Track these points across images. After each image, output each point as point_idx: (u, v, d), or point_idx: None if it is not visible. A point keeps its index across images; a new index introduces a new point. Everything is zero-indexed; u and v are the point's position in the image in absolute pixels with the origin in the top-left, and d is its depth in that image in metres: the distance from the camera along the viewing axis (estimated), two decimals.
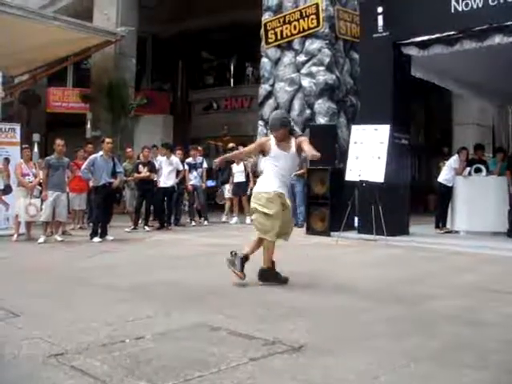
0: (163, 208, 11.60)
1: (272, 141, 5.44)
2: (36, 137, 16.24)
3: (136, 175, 11.31)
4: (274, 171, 5.45)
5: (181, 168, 11.74)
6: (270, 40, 13.52)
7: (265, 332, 3.67)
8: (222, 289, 5.22)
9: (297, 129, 12.85)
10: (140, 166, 11.32)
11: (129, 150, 12.87)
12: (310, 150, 5.25)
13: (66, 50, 15.91)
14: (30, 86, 18.13)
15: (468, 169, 10.19)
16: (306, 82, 12.84)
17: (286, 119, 5.57)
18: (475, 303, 4.74)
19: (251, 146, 5.90)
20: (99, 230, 9.31)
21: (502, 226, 9.34)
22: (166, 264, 6.81)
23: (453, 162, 10.43)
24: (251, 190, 12.85)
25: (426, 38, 9.08)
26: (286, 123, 5.44)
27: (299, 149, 5.41)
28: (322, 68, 12.67)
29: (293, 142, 5.43)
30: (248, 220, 12.93)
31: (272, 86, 13.49)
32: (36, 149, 15.59)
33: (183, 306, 4.50)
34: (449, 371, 3.00)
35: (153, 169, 11.31)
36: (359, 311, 4.38)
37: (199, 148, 13.80)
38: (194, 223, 12.48)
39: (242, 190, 12.86)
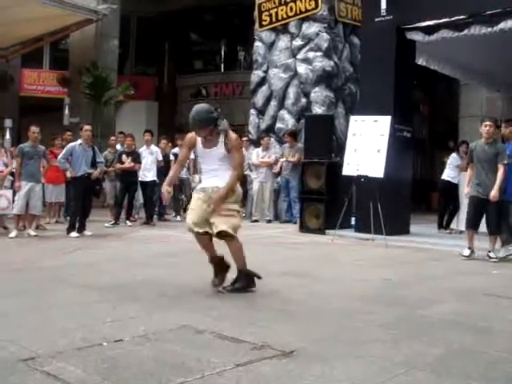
0: (146, 202, 11.62)
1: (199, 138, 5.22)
2: (8, 122, 16.12)
3: (119, 166, 11.26)
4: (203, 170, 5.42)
5: (160, 159, 11.72)
6: (264, 22, 13.49)
7: (253, 335, 3.68)
8: (208, 289, 5.21)
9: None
10: (123, 156, 11.26)
11: (112, 138, 12.82)
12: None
13: (41, 27, 15.76)
14: (2, 66, 17.95)
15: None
16: (301, 69, 12.84)
17: (211, 116, 5.08)
18: (480, 309, 4.77)
19: (182, 151, 5.63)
20: (77, 225, 9.27)
21: None
22: (149, 262, 6.80)
23: (453, 159, 10.49)
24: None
25: (432, 22, 9.10)
26: (210, 122, 5.04)
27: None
28: (319, 53, 12.67)
29: (221, 138, 5.12)
30: None
31: (265, 72, 13.48)
32: (8, 135, 15.48)
33: (166, 307, 4.50)
34: (451, 382, 3.01)
35: (137, 159, 11.26)
36: (355, 315, 4.39)
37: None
38: (179, 218, 12.47)
39: None
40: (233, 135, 5.25)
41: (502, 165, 7.37)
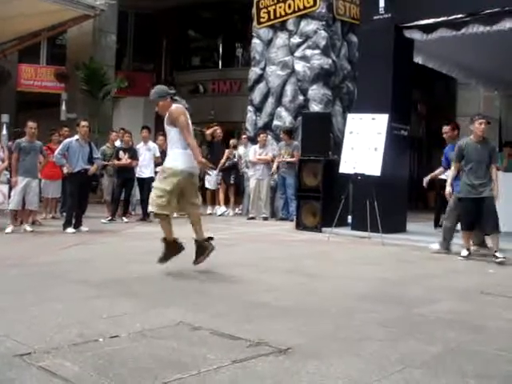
0: (143, 198, 11.60)
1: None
2: (5, 117, 16.06)
3: (116, 162, 11.25)
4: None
5: (158, 155, 11.70)
6: (262, 19, 13.47)
7: (249, 333, 3.67)
8: (205, 285, 5.21)
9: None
10: (120, 152, 11.24)
11: (114, 134, 12.80)
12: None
13: (39, 23, 15.71)
14: None
15: None
16: (299, 66, 12.83)
17: (163, 90, 5.82)
18: (476, 308, 4.78)
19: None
20: (73, 221, 9.25)
21: (510, 225, 9.30)
22: (145, 258, 6.77)
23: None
24: (234, 178, 12.97)
25: (431, 21, 9.09)
26: (163, 94, 5.72)
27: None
28: (317, 51, 12.66)
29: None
30: (231, 212, 12.98)
31: (263, 69, 13.47)
32: (4, 131, 15.44)
33: (162, 303, 4.49)
34: (447, 380, 3.01)
35: (134, 155, 11.24)
36: (351, 313, 4.39)
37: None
38: (175, 215, 12.42)
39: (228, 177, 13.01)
40: (173, 108, 5.66)
41: (495, 165, 7.28)
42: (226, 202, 13.10)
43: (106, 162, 11.27)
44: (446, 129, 8.54)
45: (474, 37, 8.89)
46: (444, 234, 7.95)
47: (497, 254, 7.19)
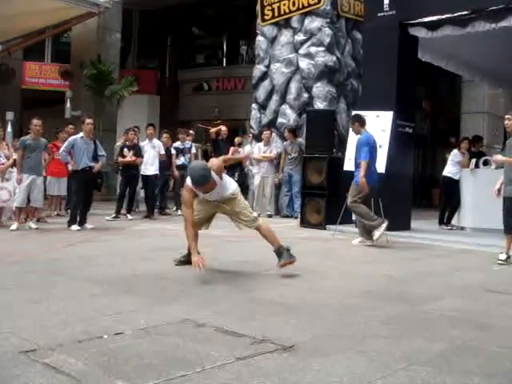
0: (147, 196, 11.62)
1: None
2: (10, 115, 16.07)
3: (120, 159, 11.26)
4: None
5: (162, 152, 11.70)
6: (266, 17, 13.45)
7: (254, 329, 3.67)
8: (209, 283, 5.21)
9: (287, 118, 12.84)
10: (125, 150, 11.25)
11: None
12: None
13: (43, 20, 15.71)
14: (4, 59, 17.94)
15: (473, 161, 10.23)
16: (303, 64, 12.81)
17: (208, 172, 5.38)
18: (480, 305, 4.76)
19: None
20: (78, 218, 9.26)
21: None
22: (149, 255, 6.80)
23: (454, 156, 10.47)
24: (239, 176, 12.97)
25: (435, 18, 9.07)
26: (209, 175, 5.37)
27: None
28: (321, 48, 12.64)
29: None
30: None
31: (267, 66, 13.45)
32: (9, 128, 15.46)
33: (166, 300, 4.49)
34: (452, 378, 3.00)
35: (139, 153, 11.24)
36: (356, 310, 4.39)
37: (191, 131, 13.77)
38: (180, 212, 12.45)
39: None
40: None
41: None
42: None
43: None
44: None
45: (479, 34, 8.86)
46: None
47: (499, 256, 6.86)
